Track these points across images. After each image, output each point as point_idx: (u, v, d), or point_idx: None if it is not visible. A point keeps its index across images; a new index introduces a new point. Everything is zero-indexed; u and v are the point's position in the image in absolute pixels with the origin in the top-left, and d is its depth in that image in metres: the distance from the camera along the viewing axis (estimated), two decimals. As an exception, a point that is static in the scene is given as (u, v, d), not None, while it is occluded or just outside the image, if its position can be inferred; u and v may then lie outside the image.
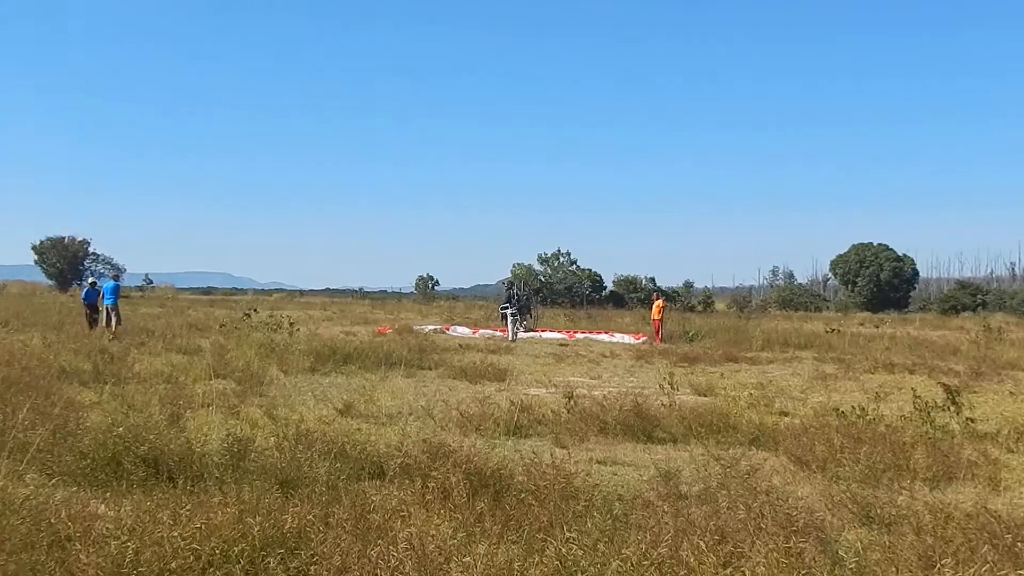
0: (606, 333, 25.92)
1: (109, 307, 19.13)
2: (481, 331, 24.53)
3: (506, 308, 22.45)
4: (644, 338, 24.12)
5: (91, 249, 65.80)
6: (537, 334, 24.51)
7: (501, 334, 22.78)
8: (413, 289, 65.29)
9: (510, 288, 22.73)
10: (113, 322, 18.96)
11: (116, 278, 19.83)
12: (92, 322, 20.43)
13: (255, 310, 25.04)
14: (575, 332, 25.93)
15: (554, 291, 52.76)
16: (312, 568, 5.02)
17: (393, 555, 5.11)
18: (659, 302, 25.34)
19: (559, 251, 55.26)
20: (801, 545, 5.37)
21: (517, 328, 21.83)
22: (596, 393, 12.30)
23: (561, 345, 22.32)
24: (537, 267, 55.16)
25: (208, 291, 78.68)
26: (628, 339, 24.11)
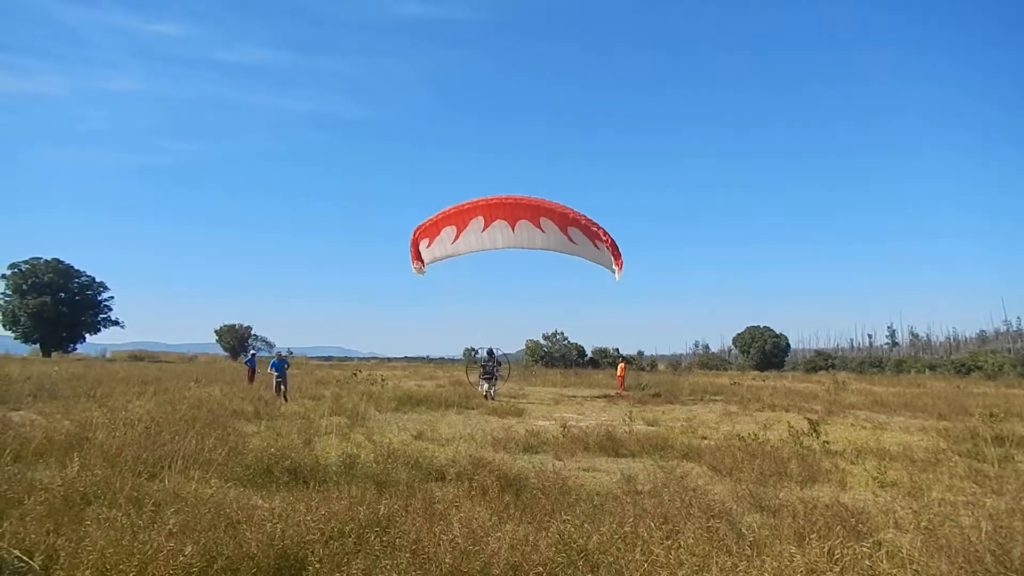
0: None
1: (277, 377, 22.56)
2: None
3: (486, 371, 26.07)
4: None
5: (253, 331, 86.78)
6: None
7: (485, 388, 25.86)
8: (461, 356, 76.39)
9: (490, 357, 26.84)
10: (284, 389, 22.32)
11: (280, 356, 23.36)
12: (251, 379, 26.07)
13: (359, 371, 34.53)
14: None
15: (552, 358, 68.13)
16: (397, 540, 6.18)
17: (450, 532, 6.32)
18: (621, 364, 34.66)
19: (557, 331, 71.63)
20: (717, 524, 6.88)
21: (491, 388, 25.02)
22: (581, 424, 15.04)
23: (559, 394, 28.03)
24: (542, 342, 70.62)
25: (328, 359, 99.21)
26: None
